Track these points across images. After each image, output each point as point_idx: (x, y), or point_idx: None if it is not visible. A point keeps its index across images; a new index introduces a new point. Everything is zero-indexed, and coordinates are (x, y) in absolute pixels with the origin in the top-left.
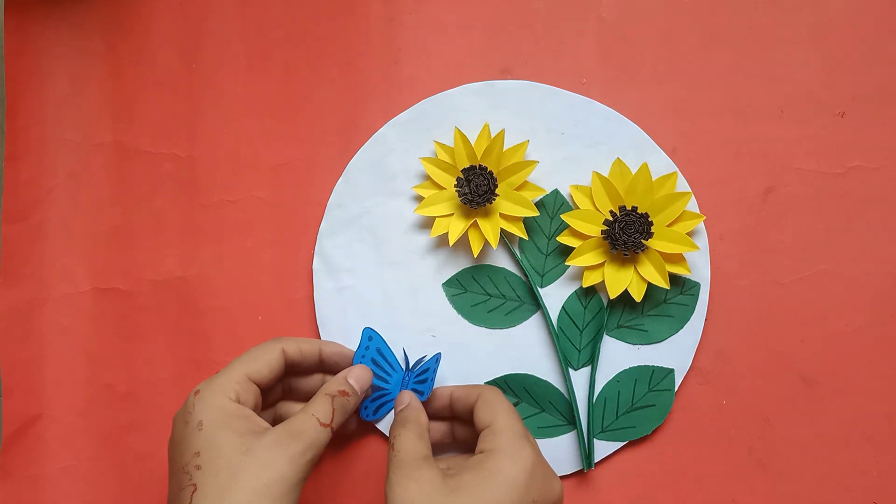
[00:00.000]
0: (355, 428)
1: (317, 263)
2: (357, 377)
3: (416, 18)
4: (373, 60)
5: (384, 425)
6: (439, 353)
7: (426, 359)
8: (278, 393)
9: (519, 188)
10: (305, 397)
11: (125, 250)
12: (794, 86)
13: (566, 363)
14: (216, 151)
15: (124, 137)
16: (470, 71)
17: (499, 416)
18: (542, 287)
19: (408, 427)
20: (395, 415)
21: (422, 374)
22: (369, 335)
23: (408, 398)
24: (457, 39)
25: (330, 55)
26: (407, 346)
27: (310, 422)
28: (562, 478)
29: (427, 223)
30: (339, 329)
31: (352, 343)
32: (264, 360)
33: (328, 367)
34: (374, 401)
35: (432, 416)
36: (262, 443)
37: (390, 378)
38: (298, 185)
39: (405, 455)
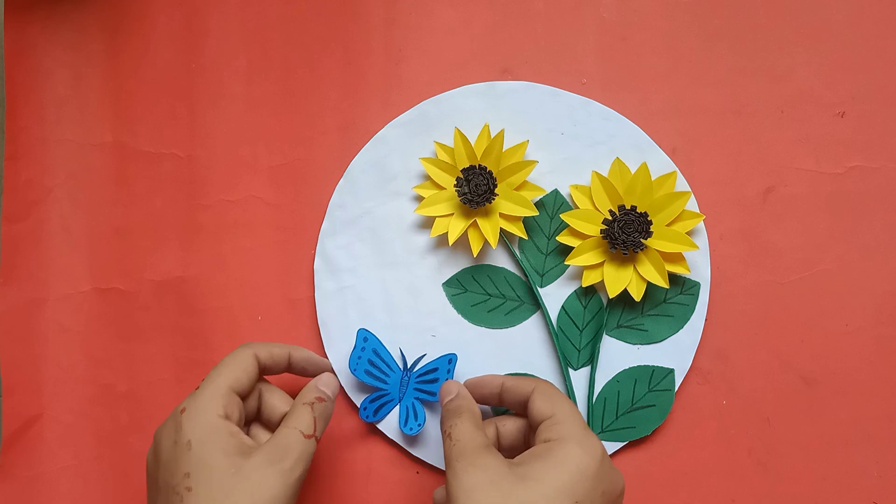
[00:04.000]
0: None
1: (318, 263)
2: (326, 383)
3: (416, 19)
4: (373, 60)
5: (385, 426)
6: (454, 355)
7: (425, 358)
8: (255, 399)
9: (518, 188)
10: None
11: (125, 250)
12: (794, 86)
13: (566, 363)
14: (216, 151)
15: (124, 137)
16: (470, 71)
17: (561, 407)
18: (541, 287)
19: (463, 416)
20: (442, 406)
21: (427, 374)
22: (364, 336)
23: (455, 388)
24: (457, 39)
25: (330, 55)
26: (407, 346)
27: (293, 436)
28: None
29: (427, 223)
30: (339, 329)
31: (353, 342)
32: (242, 369)
33: (297, 372)
34: (374, 401)
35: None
36: (251, 463)
37: (388, 378)
38: (298, 185)
39: (466, 443)
